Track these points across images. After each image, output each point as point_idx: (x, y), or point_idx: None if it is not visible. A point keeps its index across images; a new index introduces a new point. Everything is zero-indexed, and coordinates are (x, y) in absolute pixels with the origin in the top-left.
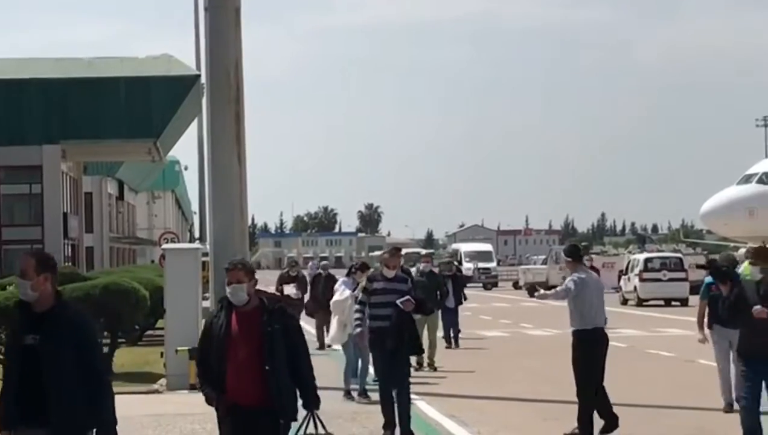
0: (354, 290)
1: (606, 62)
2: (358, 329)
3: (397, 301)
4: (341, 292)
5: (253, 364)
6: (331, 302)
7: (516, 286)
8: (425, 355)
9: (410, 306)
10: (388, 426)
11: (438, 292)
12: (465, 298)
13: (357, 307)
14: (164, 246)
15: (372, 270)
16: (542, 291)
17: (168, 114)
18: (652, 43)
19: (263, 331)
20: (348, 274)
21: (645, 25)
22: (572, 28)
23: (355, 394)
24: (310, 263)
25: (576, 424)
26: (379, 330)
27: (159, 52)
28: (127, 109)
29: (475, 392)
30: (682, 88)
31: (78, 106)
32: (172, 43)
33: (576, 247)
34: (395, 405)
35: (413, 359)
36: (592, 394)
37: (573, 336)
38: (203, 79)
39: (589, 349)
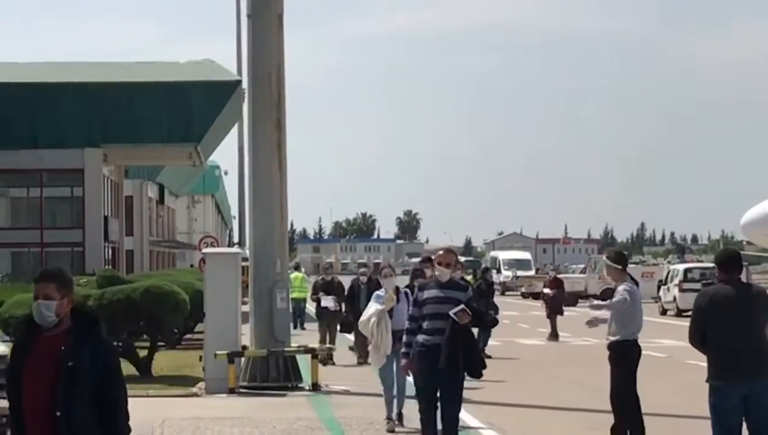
0: (382, 303)
1: (643, 70)
2: (403, 361)
3: (450, 312)
4: (367, 309)
5: (48, 409)
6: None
7: None
8: None
9: (466, 318)
10: None
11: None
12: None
13: (408, 325)
14: (205, 250)
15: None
16: (595, 302)
17: (209, 119)
18: (694, 52)
19: (60, 365)
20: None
21: (677, 33)
22: (604, 36)
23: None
24: (362, 269)
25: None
26: (430, 347)
27: (200, 57)
28: (168, 113)
29: (513, 401)
30: (722, 96)
31: (119, 110)
32: (212, 48)
33: (623, 254)
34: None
35: None
36: (634, 404)
37: (615, 347)
38: (245, 85)
39: (633, 360)
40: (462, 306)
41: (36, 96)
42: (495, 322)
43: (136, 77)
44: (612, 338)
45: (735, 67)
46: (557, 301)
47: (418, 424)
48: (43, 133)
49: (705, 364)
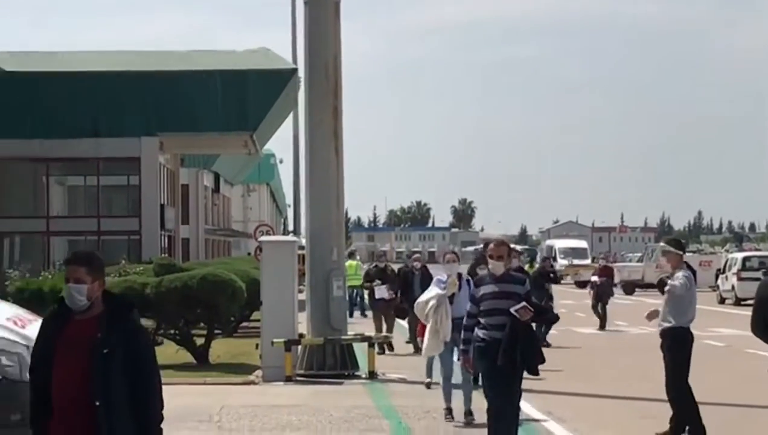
0: (444, 288)
1: (698, 54)
2: (463, 357)
3: (512, 309)
4: (427, 292)
5: (81, 397)
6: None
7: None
8: None
9: (527, 314)
10: None
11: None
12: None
13: (466, 322)
14: (261, 238)
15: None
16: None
17: (265, 107)
18: (747, 31)
19: (95, 352)
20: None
21: (733, 13)
22: (655, 19)
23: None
24: (416, 255)
25: (669, 425)
26: (489, 343)
27: (255, 46)
28: (224, 102)
29: (571, 390)
30: None
31: (176, 99)
32: (268, 37)
33: (680, 241)
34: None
35: None
36: (688, 392)
37: (669, 334)
38: (301, 73)
39: (687, 347)
40: (524, 303)
41: (95, 85)
42: (556, 319)
43: (193, 66)
44: (666, 325)
45: None
46: (604, 289)
47: (483, 418)
48: (103, 123)
49: (764, 353)
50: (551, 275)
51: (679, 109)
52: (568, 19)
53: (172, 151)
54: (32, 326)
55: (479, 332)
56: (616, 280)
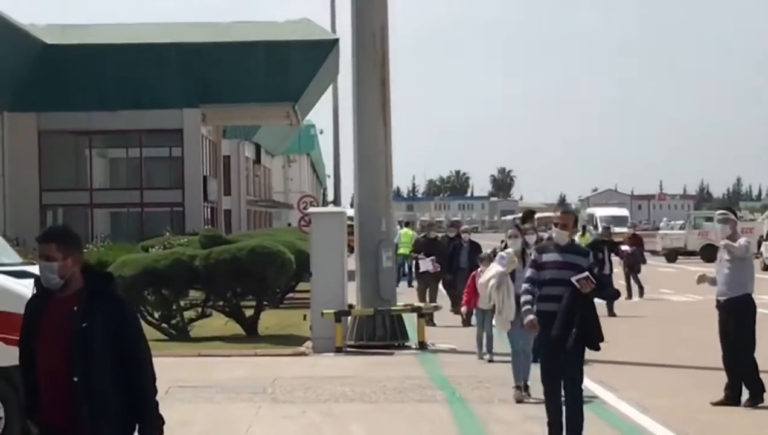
0: (505, 265)
1: (736, 20)
2: (529, 317)
3: (573, 279)
4: (488, 270)
5: (62, 373)
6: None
7: (653, 252)
8: None
9: (589, 286)
10: (552, 427)
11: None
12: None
13: (525, 286)
14: (310, 210)
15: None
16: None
17: (306, 78)
18: None
19: (73, 327)
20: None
21: None
22: None
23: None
24: (464, 227)
25: (724, 392)
26: (546, 314)
27: (297, 17)
28: (266, 73)
29: (621, 358)
30: None
31: (218, 70)
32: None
33: (732, 209)
34: (563, 407)
35: None
36: (753, 360)
37: (732, 304)
38: (349, 44)
39: (752, 315)
40: (586, 273)
41: (137, 57)
42: (617, 294)
43: (234, 37)
44: (729, 295)
45: None
46: (635, 258)
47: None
48: (146, 94)
49: None
50: (611, 245)
51: (717, 73)
52: None
53: (213, 123)
54: None
55: (538, 305)
56: (658, 247)
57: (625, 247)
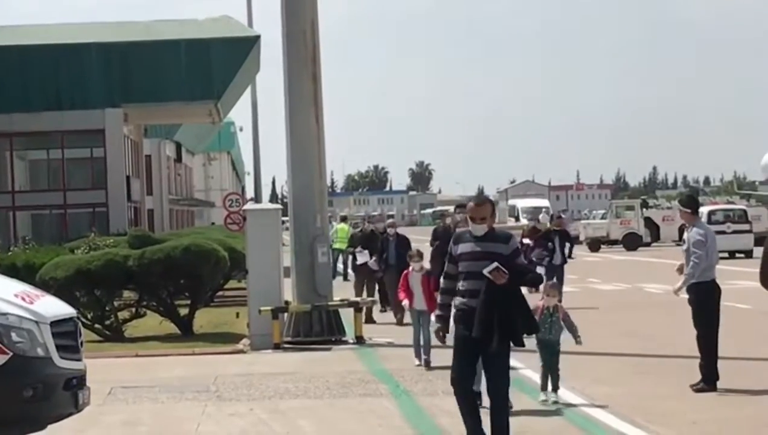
0: None
1: (654, 15)
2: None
3: (485, 271)
4: None
5: None
6: None
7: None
8: None
9: (502, 277)
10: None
11: None
12: (571, 256)
13: (443, 284)
14: (246, 207)
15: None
16: (679, 283)
17: (228, 76)
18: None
19: None
20: None
21: None
22: None
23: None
24: (389, 220)
25: (701, 376)
26: (466, 311)
27: (216, 14)
28: (188, 71)
29: (562, 347)
30: (732, 40)
31: (139, 69)
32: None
33: (694, 198)
34: (489, 414)
35: None
36: (715, 346)
37: (693, 289)
38: (269, 40)
39: (711, 301)
40: (496, 263)
41: (57, 58)
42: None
43: (155, 36)
44: (690, 281)
45: (741, 7)
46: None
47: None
48: (67, 95)
49: (741, 306)
50: (562, 234)
51: (630, 64)
52: None
53: (135, 122)
54: (40, 302)
55: (456, 300)
56: (581, 237)
57: (526, 241)
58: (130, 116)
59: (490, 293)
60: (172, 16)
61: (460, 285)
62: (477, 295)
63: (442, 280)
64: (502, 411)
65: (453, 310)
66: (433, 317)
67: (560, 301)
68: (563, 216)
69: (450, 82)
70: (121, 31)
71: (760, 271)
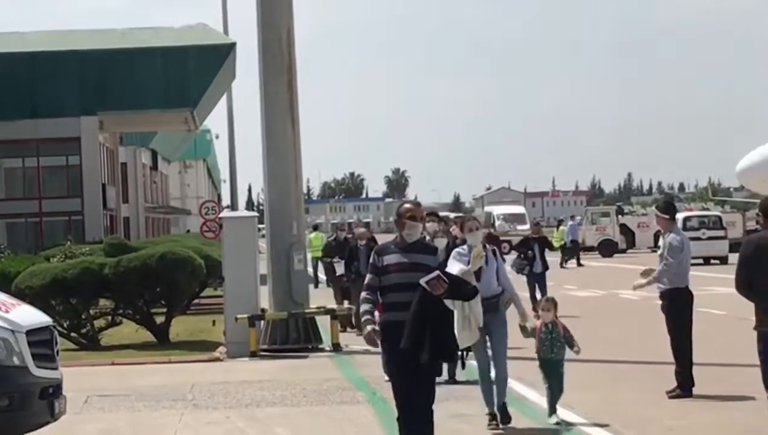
0: (468, 262)
1: (628, 23)
2: (368, 327)
3: (422, 281)
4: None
5: None
6: None
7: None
8: None
9: (440, 288)
10: None
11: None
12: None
13: (365, 294)
14: (222, 214)
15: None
16: (642, 280)
17: (204, 83)
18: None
19: None
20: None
21: None
22: None
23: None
24: (360, 230)
25: (676, 383)
26: (393, 325)
27: (192, 22)
28: (164, 79)
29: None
30: (707, 45)
31: (115, 77)
32: (195, 12)
33: (672, 204)
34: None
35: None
36: (690, 352)
37: (667, 295)
38: (244, 48)
39: (685, 308)
40: (437, 273)
41: (32, 65)
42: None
43: (131, 43)
44: (664, 287)
45: (722, 13)
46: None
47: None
48: (42, 103)
49: (716, 311)
50: (542, 242)
51: (606, 72)
52: None
53: (111, 130)
54: (15, 311)
55: (382, 315)
56: (557, 244)
57: None
58: (106, 124)
59: (423, 304)
60: (148, 24)
61: (386, 298)
62: (405, 308)
63: (363, 292)
64: (428, 423)
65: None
66: (369, 328)
67: (557, 315)
68: (541, 223)
69: (426, 90)
70: (96, 38)
71: (735, 277)
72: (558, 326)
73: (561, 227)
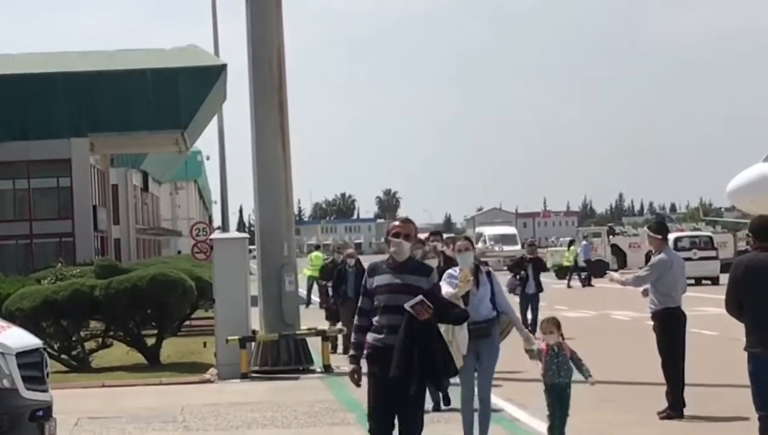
0: (456, 286)
1: (619, 42)
2: (351, 367)
3: (406, 305)
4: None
5: None
6: None
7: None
8: None
9: (426, 313)
10: None
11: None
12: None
13: (356, 321)
14: (213, 236)
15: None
16: (618, 276)
17: (195, 105)
18: (667, 24)
19: None
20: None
21: (655, 8)
22: (582, 7)
23: None
24: (348, 251)
25: (667, 404)
26: (381, 350)
27: (183, 43)
28: (155, 100)
29: (528, 376)
30: (697, 65)
31: (105, 98)
32: (187, 33)
33: (664, 225)
34: None
35: None
36: (680, 373)
37: (658, 316)
38: (235, 69)
39: (676, 328)
40: (420, 297)
41: (23, 87)
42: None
43: (122, 65)
44: (654, 308)
45: (710, 32)
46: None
47: None
48: (32, 125)
49: (708, 332)
50: (536, 263)
51: (597, 93)
52: (496, 4)
53: (102, 151)
54: (5, 333)
55: (370, 336)
56: (548, 264)
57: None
58: (97, 146)
59: (410, 329)
60: (139, 45)
61: (375, 320)
62: (394, 331)
63: (356, 317)
64: None
65: (365, 350)
66: (351, 367)
67: (562, 336)
68: (536, 243)
69: (417, 110)
70: (86, 60)
71: (726, 297)
72: (564, 349)
73: (572, 247)
